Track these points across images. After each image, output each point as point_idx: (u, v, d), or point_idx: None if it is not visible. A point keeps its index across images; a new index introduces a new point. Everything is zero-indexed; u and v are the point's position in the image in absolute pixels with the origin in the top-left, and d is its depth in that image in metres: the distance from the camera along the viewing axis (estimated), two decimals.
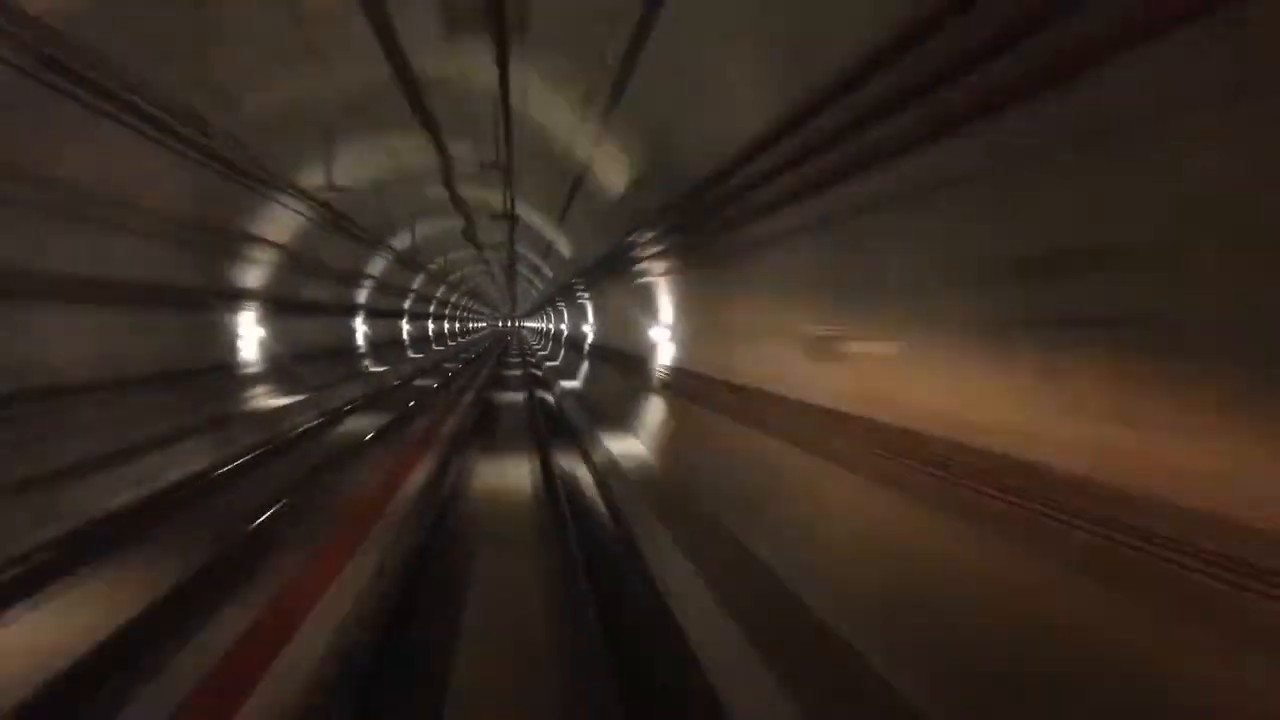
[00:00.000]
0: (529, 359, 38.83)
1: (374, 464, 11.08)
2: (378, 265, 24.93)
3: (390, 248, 22.80)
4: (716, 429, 9.60)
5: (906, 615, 4.64)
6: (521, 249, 28.15)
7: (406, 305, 35.49)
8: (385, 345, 30.50)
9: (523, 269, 36.80)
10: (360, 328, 26.65)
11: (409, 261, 25.59)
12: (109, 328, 10.64)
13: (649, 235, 11.09)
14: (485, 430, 15.36)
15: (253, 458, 11.47)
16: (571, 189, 14.01)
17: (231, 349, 15.15)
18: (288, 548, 7.37)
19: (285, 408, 15.38)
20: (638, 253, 12.22)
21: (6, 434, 8.06)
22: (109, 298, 10.54)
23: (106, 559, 7.21)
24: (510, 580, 6.97)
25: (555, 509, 8.77)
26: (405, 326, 36.78)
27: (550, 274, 30.66)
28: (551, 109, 10.96)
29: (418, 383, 25.80)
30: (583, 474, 11.49)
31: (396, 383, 24.57)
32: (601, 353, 21.83)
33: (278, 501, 8.83)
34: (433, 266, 32.31)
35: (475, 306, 72.12)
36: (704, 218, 8.76)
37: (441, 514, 8.80)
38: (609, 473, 10.33)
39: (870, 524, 5.53)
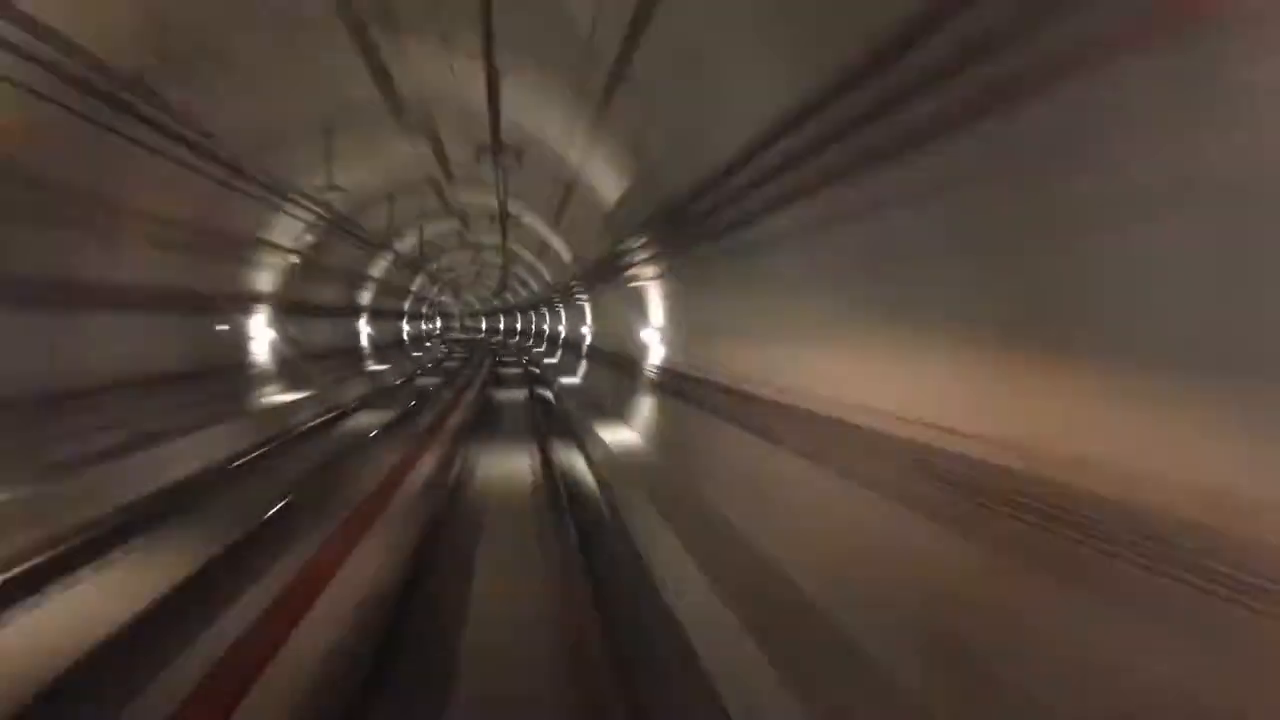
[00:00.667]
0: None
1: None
2: (417, 282, 37.19)
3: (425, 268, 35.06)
4: (601, 370, 21.78)
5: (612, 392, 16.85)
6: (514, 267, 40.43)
7: (424, 310, 47.82)
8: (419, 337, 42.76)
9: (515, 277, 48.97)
10: (405, 327, 39.02)
11: (434, 276, 37.76)
12: (318, 328, 22.85)
13: (578, 280, 23.24)
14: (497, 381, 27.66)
15: (383, 390, 23.76)
16: (539, 250, 26.23)
17: (359, 338, 27.38)
18: (423, 416, 19.56)
19: (389, 368, 27.68)
20: (574, 287, 24.38)
21: (307, 371, 20.27)
22: (328, 314, 22.75)
23: (361, 411, 19.43)
24: (511, 412, 19.22)
25: (533, 402, 21.00)
26: (425, 327, 49.11)
27: (536, 286, 42.84)
28: (532, 215, 23.12)
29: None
30: (549, 392, 23.75)
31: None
32: (565, 342, 34.04)
33: (402, 410, 21.09)
34: (448, 277, 44.63)
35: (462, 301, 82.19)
36: (596, 276, 20.88)
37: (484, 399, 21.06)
38: (560, 390, 22.58)
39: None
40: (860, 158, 4.57)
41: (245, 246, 15.54)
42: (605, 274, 16.38)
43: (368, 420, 18.26)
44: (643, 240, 11.47)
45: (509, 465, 13.17)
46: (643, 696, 5.04)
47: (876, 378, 5.50)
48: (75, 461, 9.25)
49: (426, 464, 10.09)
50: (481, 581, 7.32)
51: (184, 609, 6.29)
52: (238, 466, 11.99)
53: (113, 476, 9.53)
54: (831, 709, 4.04)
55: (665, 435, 12.33)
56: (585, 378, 24.03)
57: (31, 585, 6.64)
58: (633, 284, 14.86)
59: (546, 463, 12.43)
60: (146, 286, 11.98)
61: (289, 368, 18.84)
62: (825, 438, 6.04)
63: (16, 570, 6.66)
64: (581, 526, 8.61)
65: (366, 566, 5.94)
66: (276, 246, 16.67)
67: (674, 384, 12.26)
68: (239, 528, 8.29)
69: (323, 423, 17.20)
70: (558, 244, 23.71)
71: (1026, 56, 3.06)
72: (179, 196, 11.52)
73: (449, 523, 9.10)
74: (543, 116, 11.78)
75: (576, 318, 27.87)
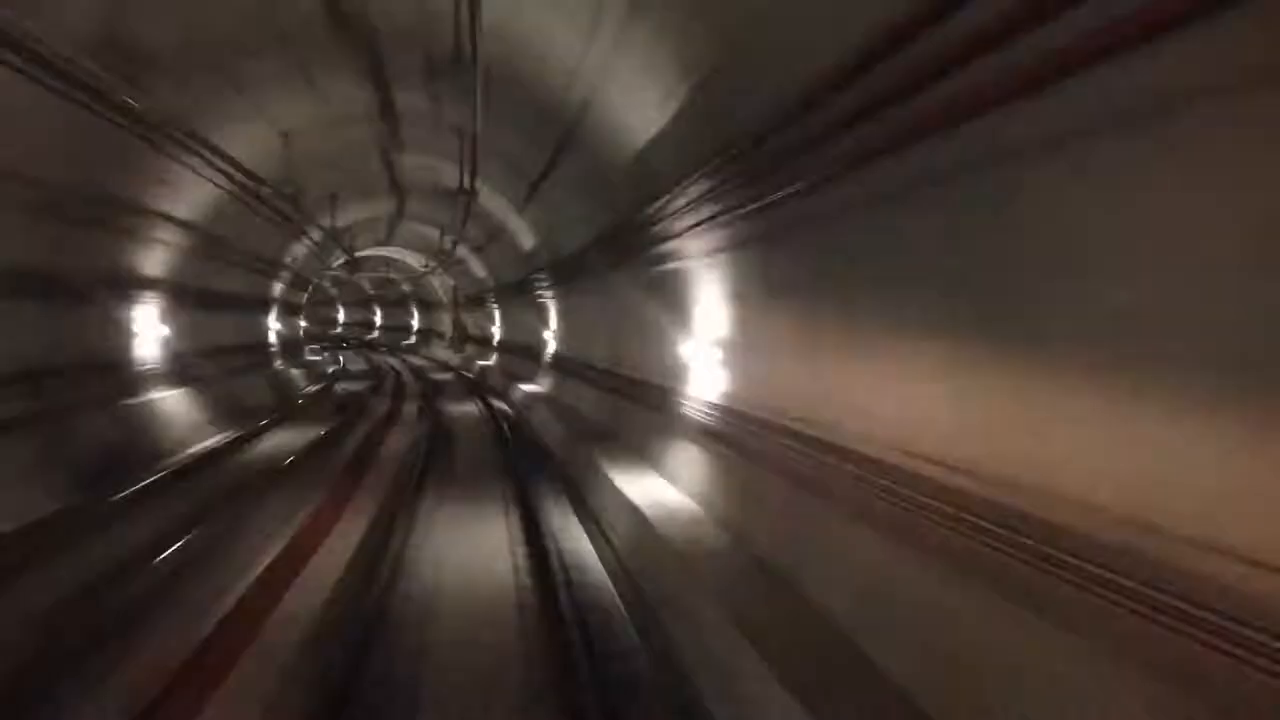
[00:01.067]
0: None
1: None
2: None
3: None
4: (518, 359, 29.85)
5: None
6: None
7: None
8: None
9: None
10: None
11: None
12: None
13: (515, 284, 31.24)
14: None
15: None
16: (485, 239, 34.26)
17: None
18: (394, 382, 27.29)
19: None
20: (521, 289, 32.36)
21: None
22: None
23: (352, 384, 27.08)
24: (450, 387, 27.19)
25: (471, 385, 28.99)
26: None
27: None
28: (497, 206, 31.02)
29: None
30: (486, 380, 31.74)
31: None
32: (505, 346, 41.95)
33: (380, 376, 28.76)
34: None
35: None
36: (522, 287, 28.93)
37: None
38: (493, 371, 30.63)
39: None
40: (621, 258, 12.99)
41: None
42: (522, 291, 24.48)
43: None
44: (545, 274, 19.79)
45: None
46: (521, 454, 13.77)
47: (655, 356, 13.95)
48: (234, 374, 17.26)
49: None
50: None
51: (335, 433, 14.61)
52: None
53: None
54: (597, 444, 12.55)
55: (553, 386, 20.68)
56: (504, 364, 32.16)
57: (266, 428, 14.92)
58: (539, 300, 23.09)
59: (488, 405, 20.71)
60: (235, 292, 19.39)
61: None
62: (639, 386, 14.39)
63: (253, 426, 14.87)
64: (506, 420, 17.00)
65: None
66: None
67: (562, 363, 20.60)
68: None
69: None
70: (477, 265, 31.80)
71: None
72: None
73: None
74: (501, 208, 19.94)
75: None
